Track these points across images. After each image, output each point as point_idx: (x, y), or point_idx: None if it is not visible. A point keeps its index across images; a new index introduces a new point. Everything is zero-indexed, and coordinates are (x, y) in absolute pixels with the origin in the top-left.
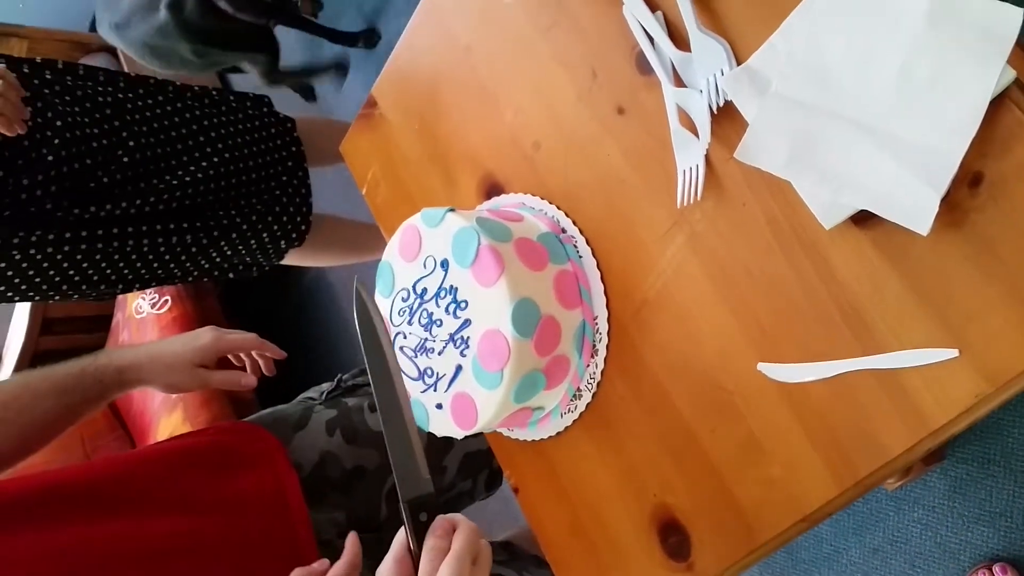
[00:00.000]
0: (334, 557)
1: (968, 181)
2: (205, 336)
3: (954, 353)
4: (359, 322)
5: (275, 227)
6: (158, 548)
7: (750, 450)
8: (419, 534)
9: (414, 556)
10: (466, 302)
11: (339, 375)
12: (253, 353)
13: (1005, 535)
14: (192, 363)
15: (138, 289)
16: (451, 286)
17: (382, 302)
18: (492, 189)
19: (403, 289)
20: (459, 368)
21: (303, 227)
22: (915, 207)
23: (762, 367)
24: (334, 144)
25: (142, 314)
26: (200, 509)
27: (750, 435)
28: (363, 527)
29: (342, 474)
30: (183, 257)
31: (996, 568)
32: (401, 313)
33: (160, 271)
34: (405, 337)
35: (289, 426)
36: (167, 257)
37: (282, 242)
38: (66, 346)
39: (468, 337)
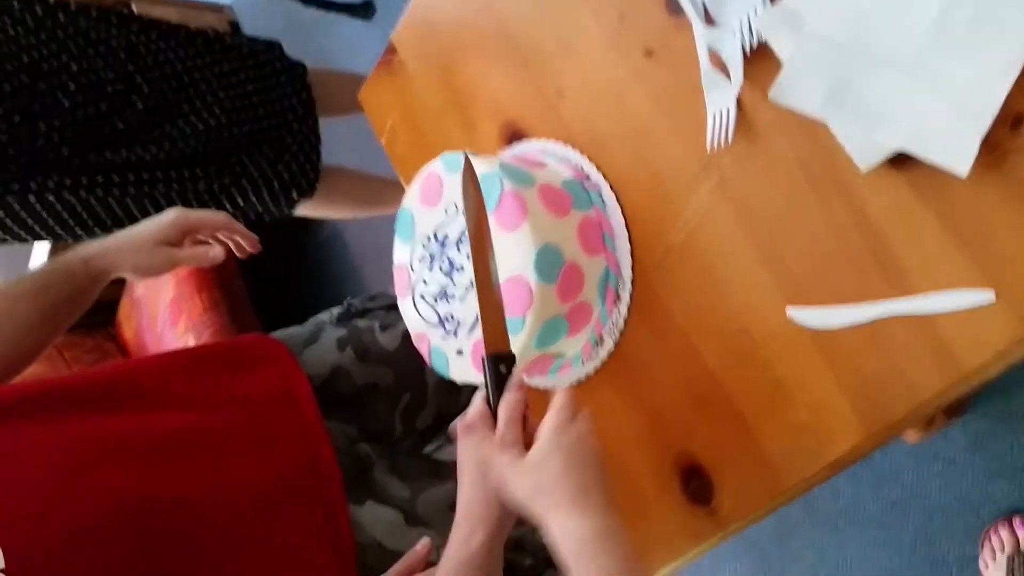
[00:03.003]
0: (347, 456)
1: (1009, 122)
2: (168, 214)
3: (990, 295)
4: (463, 185)
5: (285, 175)
6: (167, 441)
7: (776, 396)
8: (498, 383)
9: (493, 408)
10: None
11: (348, 299)
12: (222, 235)
13: (1021, 485)
14: (156, 241)
15: None
16: None
17: (401, 248)
18: (514, 136)
19: (424, 236)
20: None
21: (312, 175)
22: (954, 148)
23: (791, 312)
24: (345, 94)
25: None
26: (209, 405)
27: (777, 381)
28: (376, 441)
29: (353, 389)
30: (195, 204)
31: (1016, 521)
32: (422, 260)
33: None
34: (426, 284)
35: (299, 342)
36: (179, 204)
37: (293, 191)
38: None
39: None
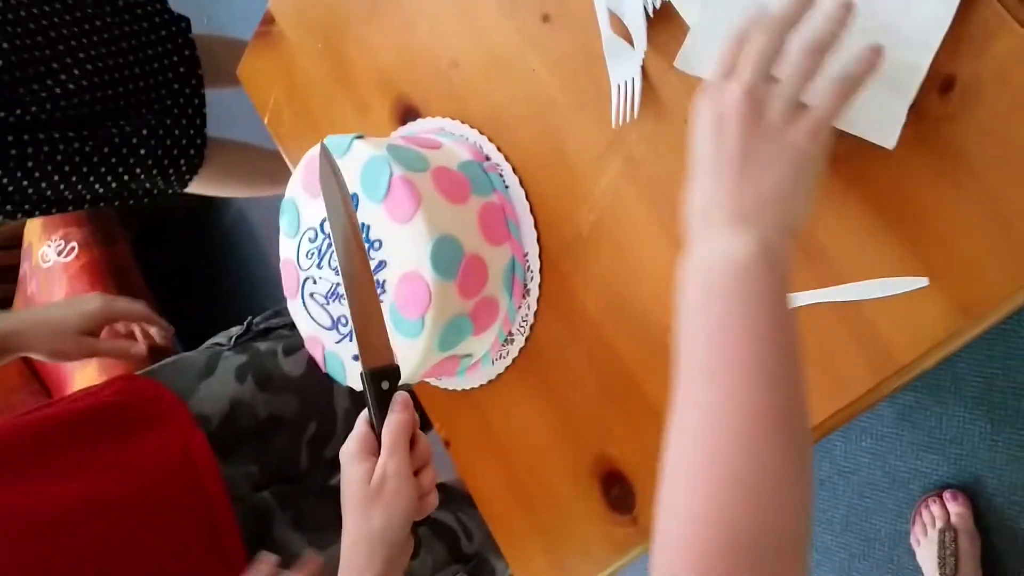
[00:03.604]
0: (248, 513)
1: (938, 86)
2: (92, 302)
3: (924, 282)
4: (322, 181)
5: (168, 141)
6: (58, 515)
7: None
8: (381, 402)
9: (376, 430)
10: (380, 242)
11: (249, 318)
12: (140, 325)
13: (955, 462)
14: (78, 330)
15: (25, 215)
16: (362, 223)
17: (287, 243)
18: (407, 113)
19: (310, 228)
20: None
21: (198, 141)
22: (880, 118)
23: None
24: (233, 62)
25: (48, 263)
26: (101, 473)
27: None
28: (281, 479)
29: (255, 423)
30: (73, 177)
31: (946, 495)
32: (309, 256)
33: (49, 191)
34: (315, 283)
35: (194, 374)
36: (55, 176)
37: (181, 161)
38: None
39: (384, 280)
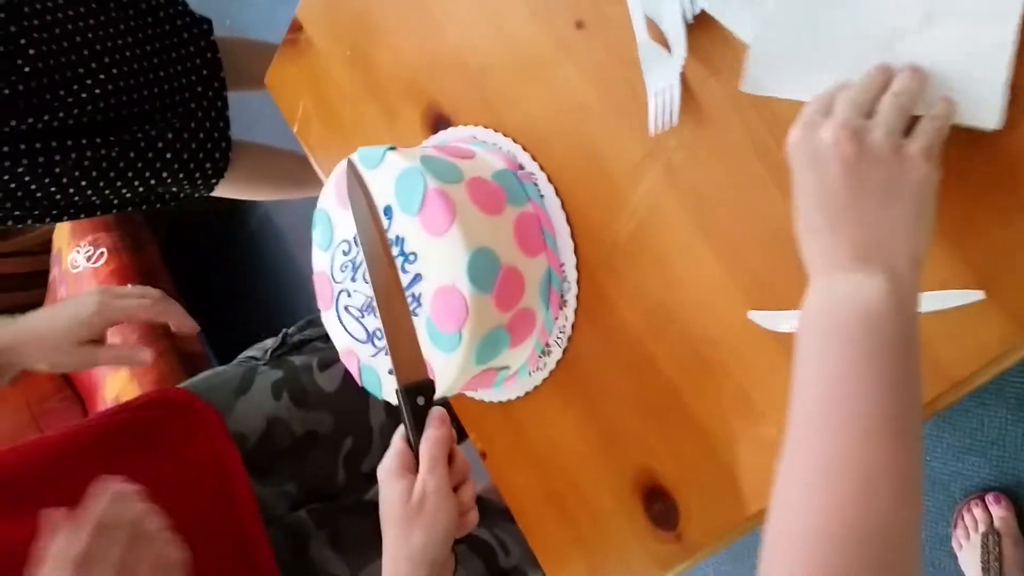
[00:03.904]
0: (284, 533)
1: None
2: (88, 305)
3: (980, 295)
4: (350, 194)
5: (193, 145)
6: None
7: (742, 409)
8: (417, 418)
9: (413, 446)
10: (415, 254)
11: (284, 330)
12: (155, 317)
13: (997, 464)
14: (77, 340)
15: (53, 220)
16: (397, 236)
17: (321, 255)
18: (439, 122)
19: (343, 241)
20: None
21: (223, 144)
22: (976, 101)
23: (753, 315)
24: (256, 65)
25: (78, 268)
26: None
27: (742, 392)
28: (317, 496)
29: (292, 441)
30: (100, 182)
31: (989, 498)
32: (343, 268)
33: (76, 197)
34: (349, 295)
35: (230, 391)
36: (83, 182)
37: (207, 165)
38: (3, 305)
39: (420, 294)
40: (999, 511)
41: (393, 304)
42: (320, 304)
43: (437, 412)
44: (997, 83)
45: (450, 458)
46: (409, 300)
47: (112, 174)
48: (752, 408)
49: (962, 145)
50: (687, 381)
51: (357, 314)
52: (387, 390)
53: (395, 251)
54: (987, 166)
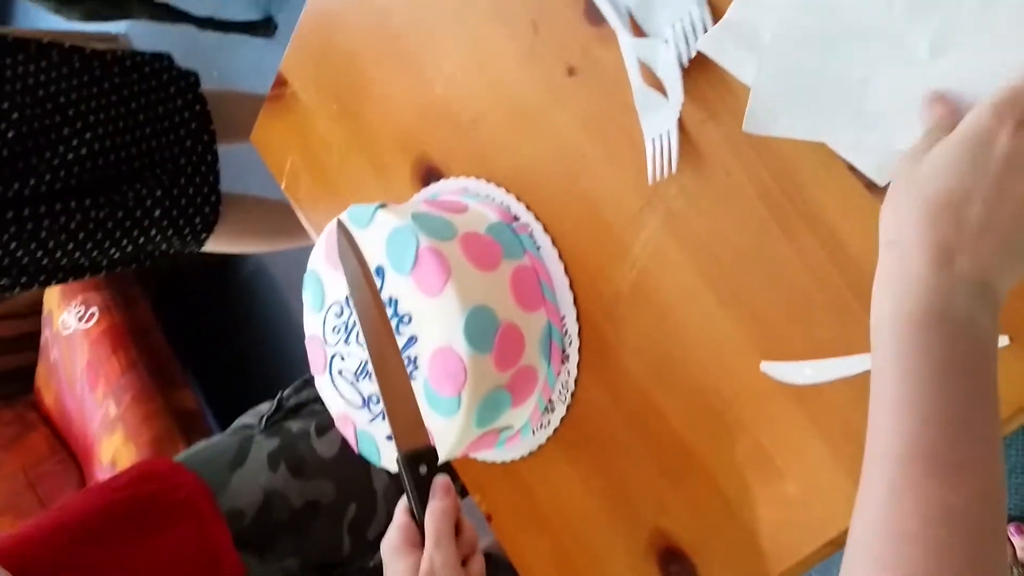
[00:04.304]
0: None
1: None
2: None
3: (1004, 340)
4: (341, 259)
5: (183, 201)
6: None
7: (759, 465)
8: (420, 489)
9: (416, 518)
10: (410, 316)
11: (279, 393)
12: None
13: (1018, 492)
14: None
15: (41, 285)
16: (390, 297)
17: (312, 318)
18: (429, 174)
19: (335, 303)
20: None
21: (213, 198)
22: None
23: (766, 367)
24: (246, 116)
25: (69, 329)
26: None
27: (758, 448)
28: (321, 569)
29: (291, 514)
30: (88, 244)
31: (1011, 528)
32: (336, 331)
33: (64, 260)
34: (343, 359)
35: (224, 464)
36: (69, 244)
37: (196, 220)
38: None
39: (416, 357)
40: (1022, 541)
41: (390, 369)
42: (313, 369)
43: (441, 481)
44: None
45: (457, 528)
46: (405, 362)
47: (99, 235)
48: (770, 463)
49: None
50: (699, 436)
51: (352, 378)
52: (386, 457)
53: (389, 312)
54: None
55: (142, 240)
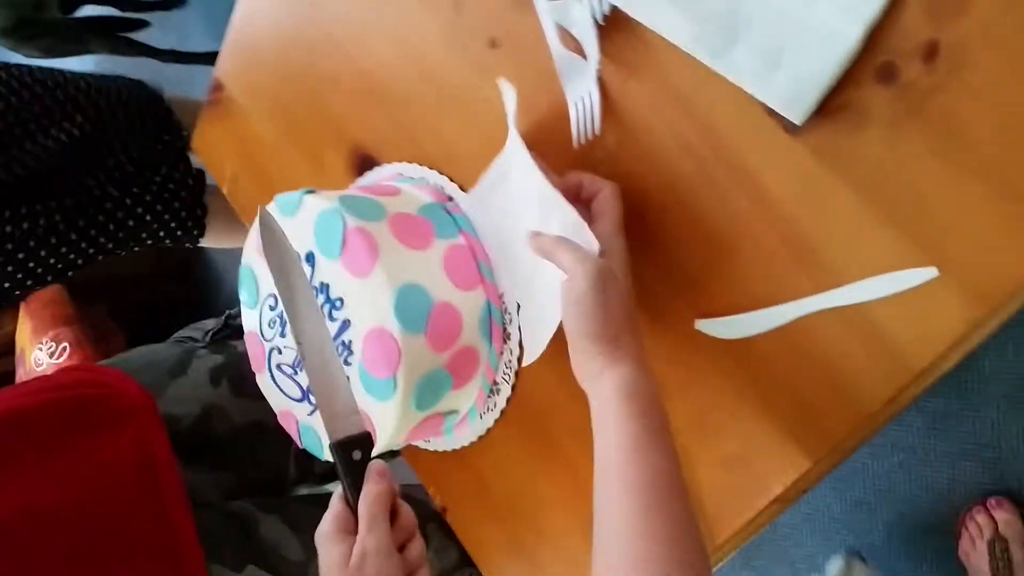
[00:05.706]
0: (224, 519)
1: (921, 54)
2: None
3: (933, 272)
4: (265, 247)
5: (175, 205)
6: None
7: (698, 427)
8: (353, 474)
9: (351, 504)
10: (341, 300)
11: (227, 312)
12: None
13: (993, 466)
14: None
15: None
16: (321, 283)
17: (249, 315)
18: (364, 163)
19: (269, 296)
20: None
21: (201, 213)
22: (792, 89)
23: (700, 324)
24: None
25: (42, 366)
26: (44, 481)
27: (696, 409)
28: (265, 490)
29: (232, 431)
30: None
31: (990, 502)
32: (272, 325)
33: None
34: (280, 352)
35: (164, 371)
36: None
37: (189, 223)
38: None
39: (350, 341)
40: (1002, 514)
41: (317, 354)
42: (254, 366)
43: (375, 466)
44: (819, 82)
45: (394, 514)
46: (339, 348)
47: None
48: (708, 422)
49: (894, 113)
50: None
51: (290, 371)
52: (328, 450)
53: (320, 298)
54: (921, 133)
55: (132, 243)
